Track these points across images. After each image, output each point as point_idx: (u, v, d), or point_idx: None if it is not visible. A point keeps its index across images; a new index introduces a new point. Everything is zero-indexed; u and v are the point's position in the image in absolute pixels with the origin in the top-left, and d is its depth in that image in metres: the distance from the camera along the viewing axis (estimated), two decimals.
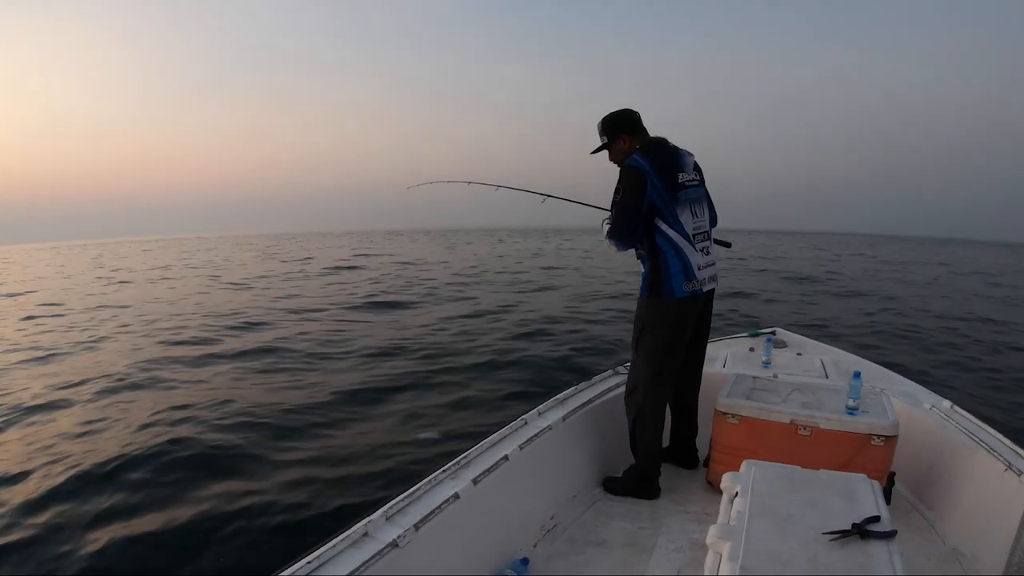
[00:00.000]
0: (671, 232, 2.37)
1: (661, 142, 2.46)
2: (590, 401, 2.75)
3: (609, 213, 2.49)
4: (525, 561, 2.09)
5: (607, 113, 2.53)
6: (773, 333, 4.03)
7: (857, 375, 2.38)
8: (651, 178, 2.32)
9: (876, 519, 1.43)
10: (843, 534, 1.38)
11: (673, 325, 2.43)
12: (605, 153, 2.57)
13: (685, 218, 2.38)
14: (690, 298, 2.41)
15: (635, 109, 2.52)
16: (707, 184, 2.59)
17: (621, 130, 2.49)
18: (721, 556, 1.37)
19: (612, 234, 2.42)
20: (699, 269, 2.41)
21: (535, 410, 2.54)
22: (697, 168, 2.51)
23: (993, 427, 2.37)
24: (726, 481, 1.72)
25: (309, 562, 1.46)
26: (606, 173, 2.54)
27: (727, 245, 3.03)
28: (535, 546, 2.22)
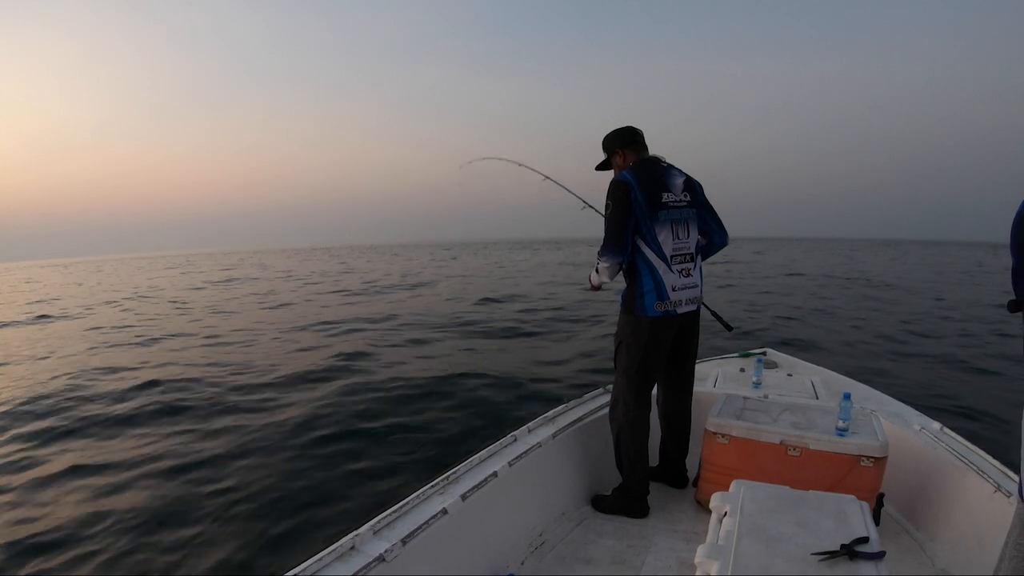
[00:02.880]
0: (647, 251, 2.39)
1: (654, 161, 2.48)
2: (580, 419, 2.74)
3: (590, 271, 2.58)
4: None
5: (611, 130, 2.58)
6: (764, 353, 4.04)
7: (847, 396, 2.39)
8: (635, 192, 2.35)
9: (865, 540, 1.44)
10: (832, 555, 1.38)
11: (645, 343, 2.44)
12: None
13: (664, 238, 2.39)
14: (662, 318, 2.42)
15: (638, 127, 2.55)
16: (714, 202, 2.58)
17: (616, 145, 2.54)
18: None
19: (604, 250, 2.41)
20: (673, 290, 2.41)
21: (525, 427, 2.54)
22: (689, 189, 2.49)
23: (982, 448, 2.38)
24: (715, 501, 1.71)
25: (296, 575, 1.45)
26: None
27: (728, 328, 3.15)
28: (523, 563, 2.20)
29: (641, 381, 2.50)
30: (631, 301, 2.46)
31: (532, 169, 3.59)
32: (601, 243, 2.45)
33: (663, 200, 2.39)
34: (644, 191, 2.36)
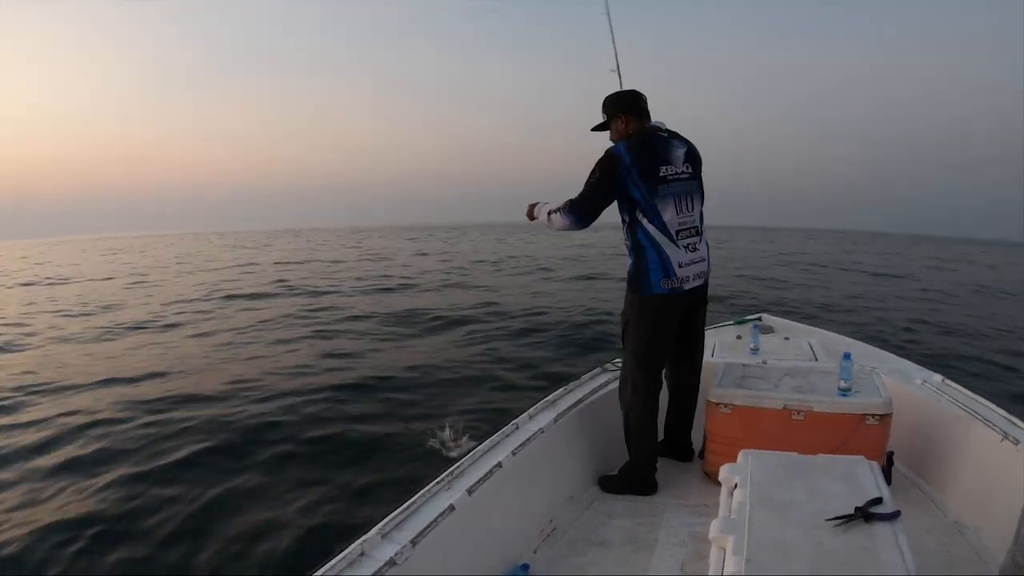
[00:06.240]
0: (651, 228, 2.33)
1: (654, 131, 2.41)
2: (580, 401, 2.71)
3: (545, 203, 2.51)
4: (526, 567, 2.05)
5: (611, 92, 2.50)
6: (759, 319, 4.03)
7: (847, 355, 2.37)
8: (629, 171, 2.28)
9: (878, 500, 1.42)
10: (847, 519, 1.36)
11: (654, 321, 2.40)
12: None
13: (667, 213, 2.32)
14: (670, 295, 2.36)
15: (643, 93, 2.46)
16: (707, 174, 2.52)
17: (619, 109, 2.44)
18: (725, 550, 1.34)
19: (572, 208, 2.38)
20: (680, 267, 2.34)
21: (525, 414, 2.50)
22: (691, 159, 2.43)
23: (985, 398, 2.37)
24: (724, 473, 1.69)
25: None
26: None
27: None
28: (535, 551, 2.18)
29: (650, 360, 2.45)
30: (636, 279, 2.39)
31: None
32: (574, 197, 2.39)
33: (661, 174, 2.31)
34: (640, 167, 2.28)
